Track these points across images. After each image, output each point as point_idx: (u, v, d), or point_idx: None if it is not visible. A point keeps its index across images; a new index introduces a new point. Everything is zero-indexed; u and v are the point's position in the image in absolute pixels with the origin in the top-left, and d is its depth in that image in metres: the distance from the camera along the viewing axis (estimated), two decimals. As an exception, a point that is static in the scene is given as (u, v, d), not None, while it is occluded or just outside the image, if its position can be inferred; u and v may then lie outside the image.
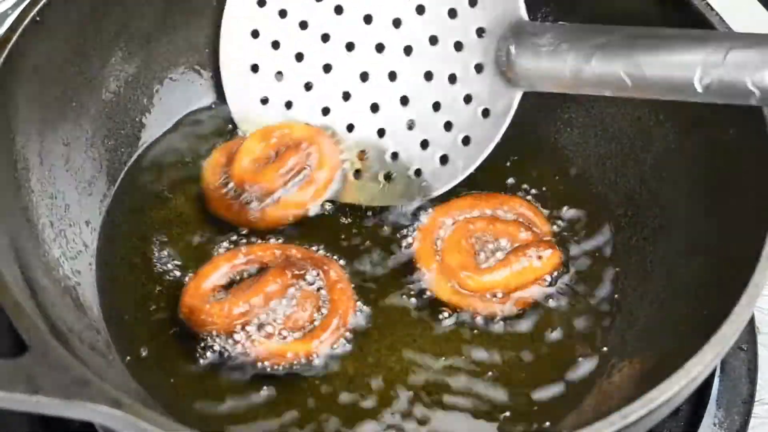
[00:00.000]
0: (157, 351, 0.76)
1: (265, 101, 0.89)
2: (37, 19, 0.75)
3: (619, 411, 0.57)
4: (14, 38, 0.73)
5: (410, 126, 0.83)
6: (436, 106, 0.82)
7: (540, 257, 0.78)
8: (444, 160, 0.81)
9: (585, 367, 0.76)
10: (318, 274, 0.77)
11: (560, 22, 0.81)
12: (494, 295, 0.77)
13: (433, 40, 0.81)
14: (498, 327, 0.77)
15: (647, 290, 0.79)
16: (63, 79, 0.80)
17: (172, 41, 0.91)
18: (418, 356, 0.75)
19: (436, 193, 0.81)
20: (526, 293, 0.78)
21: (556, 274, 0.79)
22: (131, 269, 0.81)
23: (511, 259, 0.78)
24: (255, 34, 0.88)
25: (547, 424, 0.72)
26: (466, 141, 0.80)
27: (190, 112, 0.92)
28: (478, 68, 0.79)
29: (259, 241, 0.81)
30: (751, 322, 0.82)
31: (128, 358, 0.75)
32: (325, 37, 0.86)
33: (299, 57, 0.87)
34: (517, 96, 0.78)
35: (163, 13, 0.89)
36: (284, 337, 0.73)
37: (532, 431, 0.72)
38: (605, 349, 0.76)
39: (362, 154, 0.83)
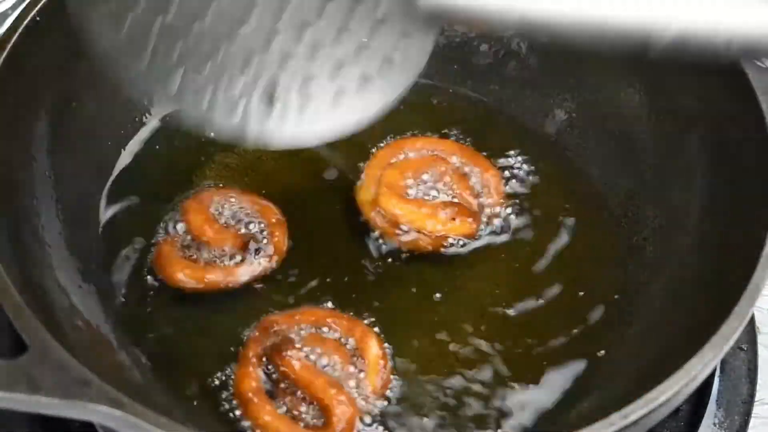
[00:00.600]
0: (158, 351, 0.76)
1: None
2: (37, 19, 0.75)
3: (619, 411, 0.57)
4: (14, 38, 0.73)
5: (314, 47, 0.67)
6: (342, 29, 0.66)
7: (453, 219, 0.79)
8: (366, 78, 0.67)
9: (584, 367, 0.76)
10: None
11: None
12: (398, 226, 0.80)
13: None
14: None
15: (647, 290, 0.79)
16: (63, 79, 0.80)
17: (172, 41, 0.91)
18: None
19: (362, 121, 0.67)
20: (424, 241, 0.80)
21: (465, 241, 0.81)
22: (133, 269, 0.81)
23: (430, 204, 0.80)
24: None
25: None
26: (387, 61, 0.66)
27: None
28: None
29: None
30: (751, 322, 0.82)
31: (128, 358, 0.75)
32: None
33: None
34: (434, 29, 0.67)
35: (163, 13, 0.89)
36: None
37: (532, 430, 0.72)
38: (605, 349, 0.77)
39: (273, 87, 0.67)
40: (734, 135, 0.74)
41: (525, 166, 0.88)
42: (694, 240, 0.77)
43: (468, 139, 0.89)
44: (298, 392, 0.71)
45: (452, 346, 0.77)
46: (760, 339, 0.82)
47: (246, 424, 0.70)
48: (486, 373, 0.75)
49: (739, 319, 0.61)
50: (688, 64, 0.78)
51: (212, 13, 0.65)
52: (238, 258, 0.80)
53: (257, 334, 0.74)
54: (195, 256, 0.80)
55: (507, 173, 0.87)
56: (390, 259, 0.81)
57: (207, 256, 0.80)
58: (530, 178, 0.87)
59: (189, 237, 0.81)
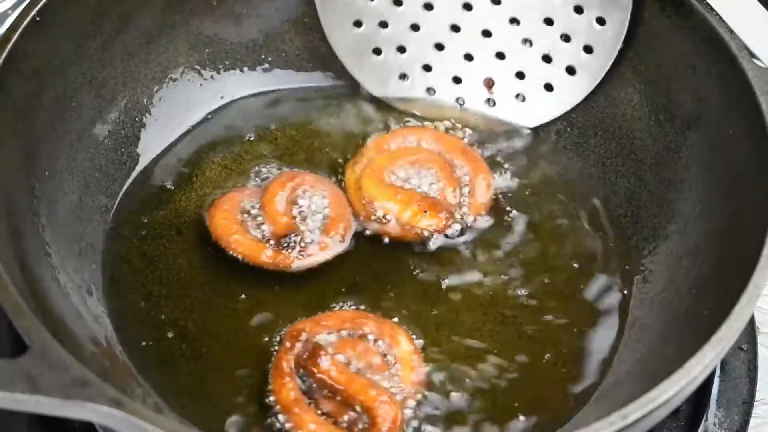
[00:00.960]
0: (159, 352, 0.76)
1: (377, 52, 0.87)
2: (37, 19, 0.75)
3: (619, 411, 0.57)
4: (14, 38, 0.73)
5: (527, 42, 0.81)
6: (549, 22, 0.79)
7: (425, 212, 0.80)
8: (571, 71, 0.80)
9: (585, 367, 0.76)
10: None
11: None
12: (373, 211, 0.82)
13: None
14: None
15: (647, 290, 0.79)
16: (63, 79, 0.80)
17: (172, 41, 0.91)
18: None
19: (570, 106, 0.82)
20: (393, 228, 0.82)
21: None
22: (133, 270, 0.81)
23: (406, 192, 0.82)
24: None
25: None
26: (588, 50, 0.78)
27: (191, 111, 0.92)
28: None
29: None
30: (751, 322, 0.82)
31: (129, 358, 0.75)
32: None
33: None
34: (628, 2, 0.77)
35: (163, 13, 0.89)
36: None
37: (531, 426, 0.72)
38: (605, 348, 0.76)
39: (490, 81, 0.83)
40: (734, 135, 0.74)
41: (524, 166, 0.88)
42: (694, 240, 0.77)
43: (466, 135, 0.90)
44: (338, 397, 0.71)
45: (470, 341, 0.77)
46: (760, 339, 0.82)
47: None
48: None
49: (739, 319, 0.61)
50: (687, 64, 0.79)
51: (430, 20, 0.79)
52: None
53: (287, 344, 0.73)
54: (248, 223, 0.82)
55: (504, 172, 0.87)
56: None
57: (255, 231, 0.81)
58: (530, 177, 0.88)
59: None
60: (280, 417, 0.70)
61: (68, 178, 0.81)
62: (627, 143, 0.86)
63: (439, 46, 0.82)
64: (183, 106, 0.92)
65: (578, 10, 0.76)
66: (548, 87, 0.79)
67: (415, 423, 0.71)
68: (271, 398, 0.72)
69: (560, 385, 0.75)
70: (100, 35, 0.84)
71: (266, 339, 0.76)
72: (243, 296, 0.79)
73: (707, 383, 0.77)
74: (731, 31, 0.76)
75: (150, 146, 0.89)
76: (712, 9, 0.77)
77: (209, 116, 0.93)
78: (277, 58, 0.96)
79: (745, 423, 0.77)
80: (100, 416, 0.55)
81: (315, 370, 0.71)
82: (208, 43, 0.93)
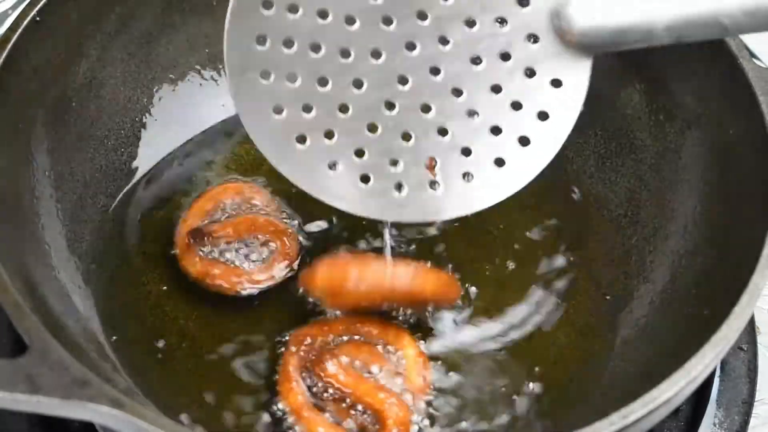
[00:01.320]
0: (159, 352, 0.76)
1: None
2: (37, 19, 0.75)
3: (619, 411, 0.57)
4: (14, 38, 0.73)
5: (472, 113, 0.66)
6: (496, 89, 0.65)
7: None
8: (524, 142, 0.66)
9: (584, 367, 0.76)
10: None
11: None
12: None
13: (470, 23, 0.63)
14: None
15: (647, 290, 0.79)
16: (63, 79, 0.80)
17: (172, 41, 0.91)
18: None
19: (524, 182, 0.68)
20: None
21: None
22: (133, 270, 0.81)
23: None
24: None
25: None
26: (543, 116, 0.65)
27: (191, 112, 0.92)
28: (532, 38, 0.63)
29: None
30: (751, 322, 0.82)
31: (129, 358, 0.75)
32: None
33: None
34: (588, 63, 0.65)
35: (163, 13, 0.89)
36: None
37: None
38: (605, 349, 0.76)
39: (432, 161, 0.67)
40: (734, 135, 0.74)
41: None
42: (694, 240, 0.77)
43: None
44: (346, 400, 0.71)
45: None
46: (760, 339, 0.82)
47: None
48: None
49: (739, 319, 0.61)
50: (688, 64, 0.79)
51: (360, 99, 0.62)
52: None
53: (292, 348, 0.73)
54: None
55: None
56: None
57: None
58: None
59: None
60: (289, 420, 0.70)
61: (68, 178, 0.81)
62: (627, 143, 0.86)
63: (372, 127, 0.65)
64: (183, 106, 0.92)
65: (529, 73, 0.63)
66: (499, 162, 0.64)
67: (422, 423, 0.71)
68: (280, 405, 0.71)
69: (560, 384, 0.75)
70: (100, 35, 0.84)
71: (268, 339, 0.76)
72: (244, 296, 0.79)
73: (707, 383, 0.77)
74: (731, 31, 0.76)
75: (150, 146, 0.89)
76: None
77: (209, 116, 0.93)
78: (277, 58, 0.96)
79: (745, 423, 0.77)
80: (100, 416, 0.55)
81: (322, 374, 0.71)
82: (208, 43, 0.93)
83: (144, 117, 0.90)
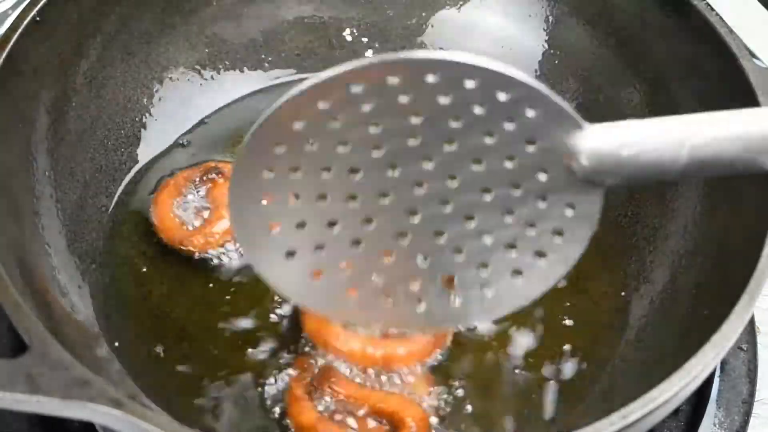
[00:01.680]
0: (159, 352, 0.76)
1: None
2: (37, 19, 0.75)
3: (619, 411, 0.57)
4: (14, 38, 0.73)
5: (484, 234, 0.64)
6: (508, 212, 0.63)
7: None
8: (541, 254, 0.64)
9: (585, 367, 0.76)
10: None
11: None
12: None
13: (477, 161, 0.61)
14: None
15: (647, 290, 0.79)
16: (63, 79, 0.80)
17: (172, 41, 0.91)
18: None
19: (542, 291, 0.66)
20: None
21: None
22: (133, 270, 0.81)
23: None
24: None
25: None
26: (558, 233, 0.64)
27: (192, 112, 0.92)
28: (542, 172, 0.60)
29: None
30: (751, 322, 0.82)
31: (129, 358, 0.75)
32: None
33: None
34: (600, 190, 0.61)
35: (162, 13, 0.89)
36: None
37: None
38: (605, 349, 0.76)
39: (450, 278, 0.66)
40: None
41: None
42: (694, 240, 0.77)
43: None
44: (359, 412, 0.70)
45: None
46: (760, 339, 0.82)
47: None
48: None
49: (739, 319, 0.61)
50: (688, 64, 0.79)
51: (368, 234, 0.62)
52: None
53: (297, 371, 0.73)
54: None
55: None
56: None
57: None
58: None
59: None
60: None
61: (68, 178, 0.81)
62: (627, 143, 0.86)
63: (386, 255, 0.64)
64: (183, 106, 0.92)
65: (541, 198, 0.61)
66: (516, 272, 0.64)
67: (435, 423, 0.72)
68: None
69: (559, 383, 0.75)
70: (100, 35, 0.84)
71: (268, 338, 0.76)
72: (246, 295, 0.79)
73: (707, 383, 0.77)
74: (731, 31, 0.76)
75: (150, 146, 0.89)
76: (712, 9, 0.77)
77: (209, 116, 0.93)
78: (277, 58, 0.96)
79: (745, 423, 0.77)
80: (100, 416, 0.55)
81: (333, 388, 0.71)
82: (208, 43, 0.93)
83: (144, 117, 0.90)
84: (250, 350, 0.76)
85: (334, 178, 0.59)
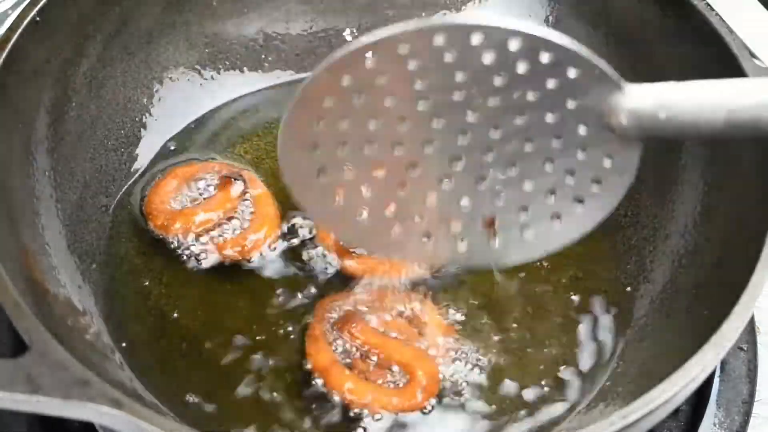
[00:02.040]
0: (159, 351, 0.76)
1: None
2: (37, 19, 0.75)
3: (619, 411, 0.57)
4: (14, 38, 0.73)
5: (525, 179, 0.66)
6: (549, 160, 0.65)
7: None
8: (580, 200, 0.66)
9: (584, 368, 0.76)
10: None
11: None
12: None
13: (521, 113, 0.63)
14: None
15: (647, 290, 0.79)
16: (63, 79, 0.80)
17: (172, 41, 0.91)
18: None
19: (580, 233, 0.68)
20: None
21: None
22: (133, 270, 0.81)
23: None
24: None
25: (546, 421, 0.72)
26: (596, 181, 0.65)
27: (192, 112, 0.92)
28: (582, 126, 0.63)
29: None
30: (751, 322, 0.82)
31: (129, 357, 0.75)
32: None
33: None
34: (638, 144, 0.62)
35: (163, 12, 0.89)
36: None
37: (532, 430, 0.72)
38: (605, 349, 0.76)
39: (490, 220, 0.68)
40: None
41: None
42: (694, 240, 0.77)
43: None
44: (373, 359, 0.73)
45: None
46: (760, 339, 0.82)
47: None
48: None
49: (739, 319, 0.61)
50: (688, 64, 0.79)
51: (412, 179, 0.65)
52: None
53: (319, 314, 0.76)
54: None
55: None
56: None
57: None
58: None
59: None
60: (318, 381, 0.72)
61: (68, 178, 0.81)
62: (627, 143, 0.86)
63: (428, 198, 0.67)
64: (183, 106, 0.92)
65: (581, 149, 0.63)
66: (555, 216, 0.66)
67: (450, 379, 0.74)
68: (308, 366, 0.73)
69: (559, 383, 0.75)
70: (100, 35, 0.84)
71: (269, 338, 0.76)
72: (245, 294, 0.79)
73: (707, 383, 0.77)
74: (731, 31, 0.76)
75: (150, 146, 0.89)
76: (713, 9, 0.77)
77: (209, 116, 0.93)
78: (277, 58, 0.96)
79: (745, 423, 0.77)
80: (100, 416, 0.55)
81: (352, 333, 0.74)
82: (208, 43, 0.93)
83: (144, 117, 0.90)
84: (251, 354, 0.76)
85: (381, 127, 0.61)
